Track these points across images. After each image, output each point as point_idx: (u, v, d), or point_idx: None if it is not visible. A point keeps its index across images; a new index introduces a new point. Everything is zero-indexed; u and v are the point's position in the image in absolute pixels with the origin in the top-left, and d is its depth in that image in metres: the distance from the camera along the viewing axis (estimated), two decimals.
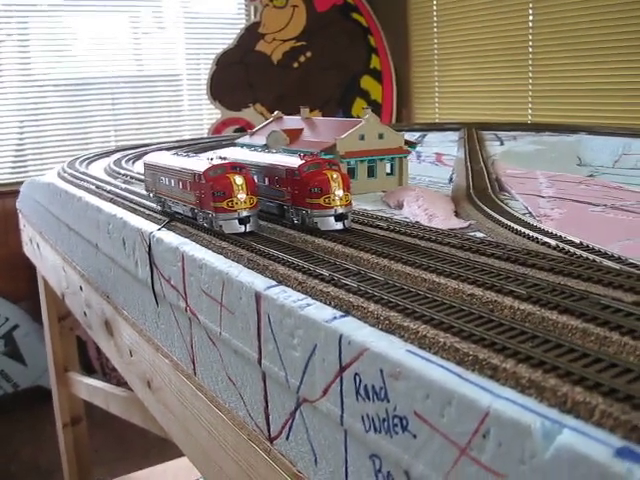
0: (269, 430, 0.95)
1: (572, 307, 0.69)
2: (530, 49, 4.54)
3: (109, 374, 4.80)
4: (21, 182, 3.07)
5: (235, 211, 1.11)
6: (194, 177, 1.17)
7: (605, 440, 0.48)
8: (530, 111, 4.61)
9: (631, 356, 0.60)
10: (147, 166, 1.44)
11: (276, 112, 2.15)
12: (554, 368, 0.57)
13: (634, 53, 3.85)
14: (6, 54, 4.94)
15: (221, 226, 1.12)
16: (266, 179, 1.22)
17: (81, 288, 2.05)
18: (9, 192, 4.28)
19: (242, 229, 1.12)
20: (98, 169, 2.37)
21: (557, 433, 0.51)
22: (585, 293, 0.73)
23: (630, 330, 0.63)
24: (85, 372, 4.51)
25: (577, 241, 1.01)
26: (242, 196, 1.11)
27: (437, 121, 5.25)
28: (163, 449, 3.41)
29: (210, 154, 1.24)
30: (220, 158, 1.20)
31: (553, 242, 1.01)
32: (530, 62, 4.55)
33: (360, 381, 0.70)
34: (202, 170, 1.15)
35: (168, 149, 2.93)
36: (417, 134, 3.14)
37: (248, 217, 1.12)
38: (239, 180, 1.11)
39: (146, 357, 1.51)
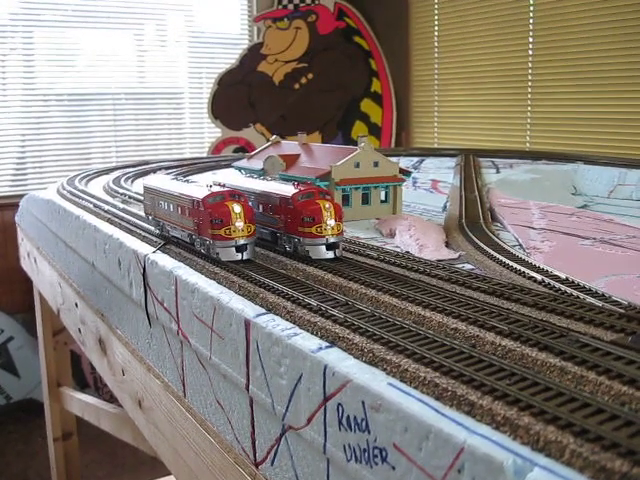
0: (255, 455, 0.97)
1: (551, 345, 0.71)
2: (530, 77, 4.58)
3: (102, 389, 4.79)
4: (21, 195, 3.09)
5: (232, 239, 1.12)
6: (193, 203, 1.18)
7: (573, 479, 0.50)
8: (528, 138, 4.64)
9: (606, 396, 0.62)
10: (146, 190, 1.45)
11: (274, 136, 2.18)
12: (529, 406, 0.59)
13: (633, 84, 3.90)
14: (10, 67, 4.98)
15: (218, 253, 1.13)
16: (260, 206, 1.24)
17: (76, 305, 2.06)
18: (9, 205, 4.30)
19: (239, 257, 1.12)
20: (97, 187, 2.39)
21: (528, 471, 0.52)
22: (565, 330, 0.75)
23: (606, 370, 0.65)
24: (78, 386, 4.52)
25: (563, 276, 1.03)
26: (240, 224, 1.12)
27: (436, 146, 5.29)
28: (153, 467, 3.41)
29: (207, 177, 1.26)
30: (219, 185, 1.20)
31: (539, 277, 1.03)
32: (529, 90, 4.60)
33: (343, 411, 0.72)
34: (201, 197, 1.15)
35: (167, 168, 2.97)
36: (415, 159, 3.17)
37: (245, 245, 1.13)
38: (237, 208, 1.12)
39: (138, 377, 1.52)
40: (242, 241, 1.12)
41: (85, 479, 3.79)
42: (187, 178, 1.38)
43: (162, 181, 1.42)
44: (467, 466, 0.56)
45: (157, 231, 1.42)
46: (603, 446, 0.52)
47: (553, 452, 0.53)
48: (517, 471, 0.53)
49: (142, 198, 1.97)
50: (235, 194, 1.16)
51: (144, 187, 1.47)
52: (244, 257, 1.13)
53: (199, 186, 1.23)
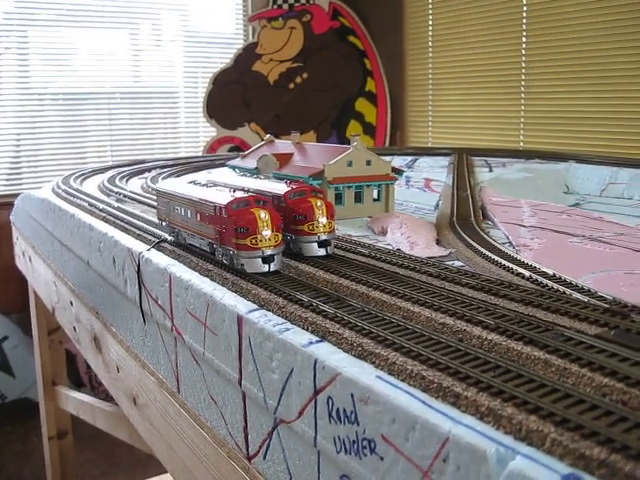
0: (248, 449, 0.98)
1: (536, 338, 0.72)
2: (523, 76, 4.61)
3: (97, 388, 4.80)
4: (16, 194, 3.10)
5: (259, 249, 1.03)
6: (215, 210, 1.08)
7: (553, 467, 0.52)
8: (522, 137, 4.67)
9: (588, 387, 0.64)
10: (160, 194, 1.36)
11: (268, 136, 2.19)
12: (512, 397, 0.60)
13: (625, 83, 3.92)
14: (5, 67, 4.99)
15: (243, 265, 1.04)
16: None
17: (71, 303, 2.08)
18: (3, 204, 4.31)
19: (266, 268, 1.04)
20: (92, 186, 2.40)
21: (510, 459, 0.54)
22: (551, 325, 0.77)
23: (589, 362, 0.66)
24: (74, 385, 4.53)
25: (550, 273, 1.05)
26: (267, 233, 1.03)
27: (430, 145, 5.31)
28: (148, 465, 3.42)
29: (203, 175, 1.25)
30: (243, 191, 1.13)
31: (527, 273, 1.04)
32: (523, 89, 4.62)
33: (333, 404, 0.73)
34: (224, 203, 1.06)
35: (162, 167, 2.98)
36: (409, 158, 3.19)
37: (272, 256, 1.04)
38: (264, 215, 1.03)
39: (132, 374, 1.54)
40: (269, 251, 1.03)
41: (80, 478, 3.80)
42: (206, 182, 1.29)
43: (178, 185, 1.33)
44: (452, 455, 0.58)
45: (172, 238, 1.34)
46: (583, 435, 0.53)
47: (535, 441, 0.55)
48: (500, 459, 0.54)
49: (137, 197, 1.99)
50: (260, 200, 1.07)
51: (157, 191, 1.39)
52: (271, 269, 1.04)
53: (220, 191, 1.15)
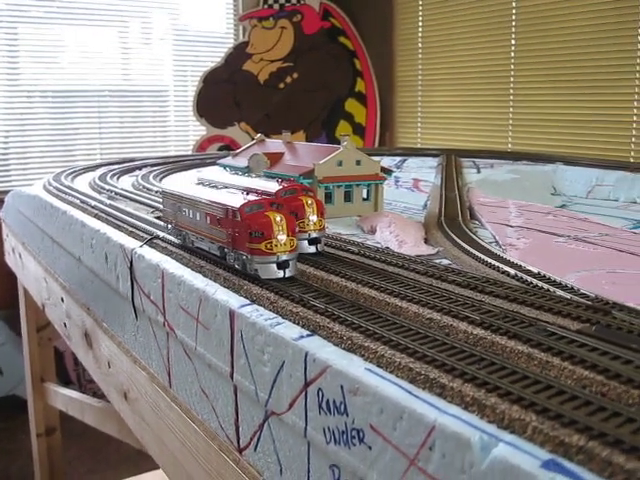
0: (238, 441, 1.00)
1: (520, 333, 0.75)
2: (512, 79, 4.64)
3: (85, 385, 4.80)
4: (4, 192, 3.10)
5: (274, 254, 0.99)
6: (227, 213, 1.05)
7: (534, 453, 0.54)
8: (510, 139, 4.71)
9: (569, 379, 0.66)
10: (166, 195, 1.31)
11: (259, 135, 2.21)
12: (496, 388, 0.63)
13: (612, 86, 3.97)
14: None
15: (256, 270, 1.01)
16: None
17: (62, 299, 2.08)
18: None
19: (281, 274, 1.00)
20: (83, 183, 2.41)
21: (493, 446, 0.56)
22: (534, 320, 0.79)
23: (570, 356, 0.69)
24: (62, 383, 4.52)
25: (535, 271, 1.07)
26: (282, 237, 0.99)
27: (419, 146, 5.33)
28: (137, 462, 3.43)
29: (193, 173, 1.26)
30: (257, 193, 1.10)
31: (512, 271, 1.07)
32: (511, 91, 4.66)
33: (323, 396, 0.75)
34: (237, 206, 1.02)
35: (152, 165, 2.99)
36: (398, 159, 3.21)
37: (287, 261, 1.00)
38: (279, 219, 1.00)
39: (124, 369, 1.55)
40: (284, 257, 1.00)
41: (67, 476, 3.80)
42: (215, 183, 1.25)
43: (186, 186, 1.30)
44: (438, 443, 0.60)
45: (178, 241, 1.30)
46: (563, 423, 0.56)
47: (517, 429, 0.57)
48: (483, 447, 0.57)
49: (128, 195, 2.00)
50: (274, 203, 1.04)
51: (163, 192, 1.35)
52: (286, 274, 1.01)
53: (232, 193, 1.13)
